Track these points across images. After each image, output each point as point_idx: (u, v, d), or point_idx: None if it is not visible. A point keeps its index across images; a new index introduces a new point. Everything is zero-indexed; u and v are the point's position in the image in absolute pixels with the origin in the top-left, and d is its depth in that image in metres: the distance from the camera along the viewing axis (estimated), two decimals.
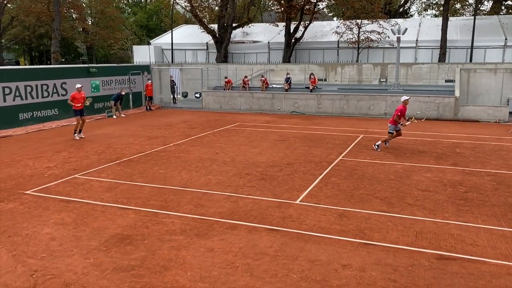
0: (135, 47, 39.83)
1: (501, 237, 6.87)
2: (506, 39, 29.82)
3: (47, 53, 51.07)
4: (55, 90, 19.74)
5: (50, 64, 39.12)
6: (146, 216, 7.82)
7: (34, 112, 18.65)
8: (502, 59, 29.11)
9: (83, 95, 15.72)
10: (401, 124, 13.30)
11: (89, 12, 51.32)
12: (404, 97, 13.40)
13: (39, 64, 52.52)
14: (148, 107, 24.81)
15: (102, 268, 5.86)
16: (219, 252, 6.34)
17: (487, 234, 6.99)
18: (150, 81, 25.06)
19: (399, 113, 13.04)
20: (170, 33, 36.51)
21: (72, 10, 45.71)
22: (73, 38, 50.88)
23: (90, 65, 24.46)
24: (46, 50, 50.53)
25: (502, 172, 10.83)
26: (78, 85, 15.94)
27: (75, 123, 15.82)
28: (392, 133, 13.34)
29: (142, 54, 36.53)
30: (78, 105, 15.46)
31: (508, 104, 20.81)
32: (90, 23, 50.50)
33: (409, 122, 13.60)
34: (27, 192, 9.30)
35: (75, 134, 15.53)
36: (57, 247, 6.52)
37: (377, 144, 13.45)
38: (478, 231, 7.09)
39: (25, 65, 54.88)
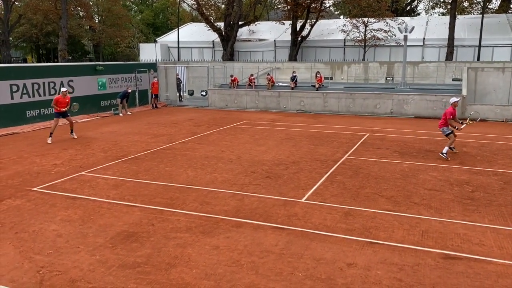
0: (141, 45, 39.94)
1: (508, 236, 6.82)
2: None
3: (54, 51, 51.37)
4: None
5: (57, 61, 39.33)
6: (152, 213, 7.85)
7: (41, 110, 18.74)
8: (510, 58, 28.85)
9: (67, 100, 14.86)
10: (456, 128, 12.18)
11: (96, 10, 51.60)
12: (454, 99, 12.23)
13: (46, 62, 52.87)
14: (154, 105, 24.88)
15: (108, 265, 5.89)
16: (225, 250, 6.35)
17: (494, 233, 6.94)
18: (156, 79, 25.14)
19: (450, 116, 11.98)
20: (177, 31, 36.58)
21: (79, 8, 45.90)
22: (80, 36, 51.18)
23: (97, 63, 24.57)
24: (53, 47, 50.85)
25: (509, 172, 10.75)
26: (64, 89, 15.09)
27: (52, 125, 14.90)
28: (452, 133, 12.17)
29: (148, 52, 36.62)
30: (62, 109, 14.69)
31: None
32: (97, 21, 50.72)
33: (464, 125, 12.33)
34: (34, 189, 9.37)
35: (49, 138, 14.56)
36: (63, 244, 6.57)
37: (443, 152, 12.12)
38: (484, 231, 7.05)
39: (33, 62, 55.26)
